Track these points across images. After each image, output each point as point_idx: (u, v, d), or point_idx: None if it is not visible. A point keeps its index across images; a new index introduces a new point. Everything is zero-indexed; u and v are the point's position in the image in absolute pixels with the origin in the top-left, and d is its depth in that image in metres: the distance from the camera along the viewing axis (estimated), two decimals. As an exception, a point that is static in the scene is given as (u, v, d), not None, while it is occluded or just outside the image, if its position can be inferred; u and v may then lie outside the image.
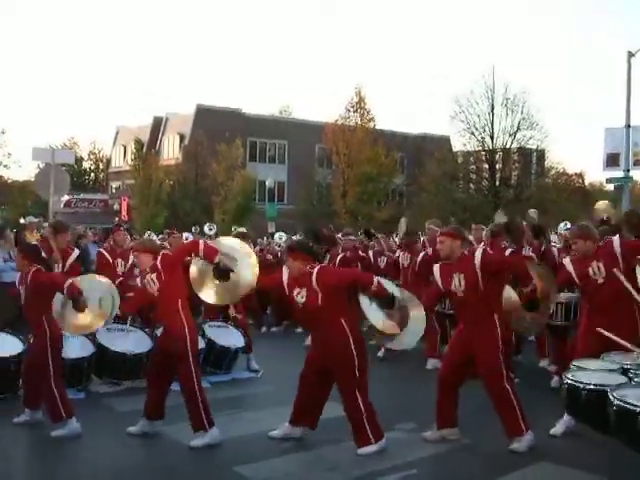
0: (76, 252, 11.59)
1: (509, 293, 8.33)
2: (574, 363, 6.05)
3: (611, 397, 4.96)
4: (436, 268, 8.31)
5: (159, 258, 8.13)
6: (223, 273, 8.17)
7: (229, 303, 9.30)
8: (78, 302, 8.13)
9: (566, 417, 8.21)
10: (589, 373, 5.69)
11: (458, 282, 7.96)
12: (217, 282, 8.29)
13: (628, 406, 4.82)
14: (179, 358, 8.03)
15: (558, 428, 8.28)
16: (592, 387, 5.38)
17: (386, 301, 7.82)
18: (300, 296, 7.81)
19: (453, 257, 8.04)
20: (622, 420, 4.88)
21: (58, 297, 8.33)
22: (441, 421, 8.19)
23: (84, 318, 8.36)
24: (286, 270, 8.09)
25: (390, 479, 7.08)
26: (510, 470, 7.30)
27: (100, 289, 8.52)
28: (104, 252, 12.52)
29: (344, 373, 7.80)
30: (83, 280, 8.29)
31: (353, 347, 7.72)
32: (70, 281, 8.06)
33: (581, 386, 5.44)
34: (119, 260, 12.26)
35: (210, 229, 20.87)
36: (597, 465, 7.17)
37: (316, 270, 7.78)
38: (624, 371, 5.68)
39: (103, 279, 9.12)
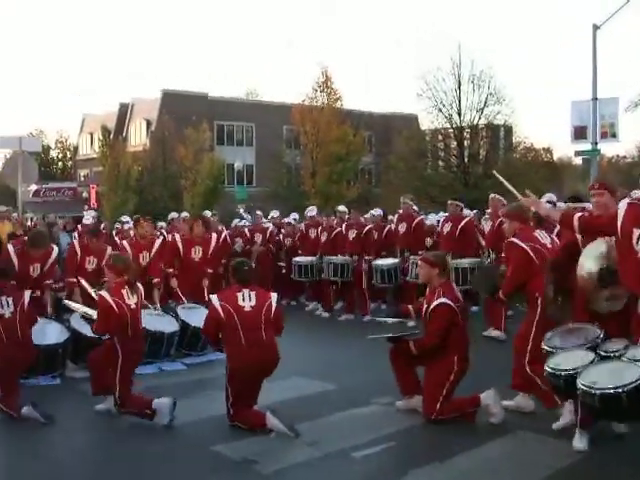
0: (56, 250, 11.52)
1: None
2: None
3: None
4: None
5: None
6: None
7: None
8: None
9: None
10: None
11: None
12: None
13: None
14: None
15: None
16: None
17: None
18: None
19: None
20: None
21: None
22: (406, 389, 8.35)
23: None
24: None
25: (370, 452, 7.11)
26: (487, 440, 7.37)
27: None
28: (76, 246, 12.47)
29: None
30: None
31: None
32: None
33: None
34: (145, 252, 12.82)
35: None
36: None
37: None
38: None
39: None
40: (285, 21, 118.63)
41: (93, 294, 9.19)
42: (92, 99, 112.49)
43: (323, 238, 16.29)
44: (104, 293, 8.30)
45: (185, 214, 17.63)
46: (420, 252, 13.25)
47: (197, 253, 13.19)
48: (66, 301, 10.50)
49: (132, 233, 15.37)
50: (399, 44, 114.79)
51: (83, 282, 10.48)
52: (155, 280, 12.42)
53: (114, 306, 8.14)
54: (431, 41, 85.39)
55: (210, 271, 13.15)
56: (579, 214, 6.87)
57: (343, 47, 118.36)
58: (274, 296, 8.21)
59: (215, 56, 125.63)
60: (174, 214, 17.67)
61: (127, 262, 8.78)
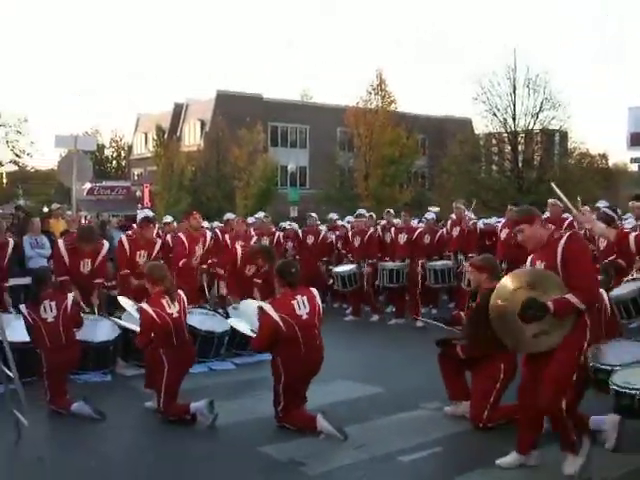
0: (106, 246, 11.64)
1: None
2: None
3: None
4: None
5: None
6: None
7: None
8: None
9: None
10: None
11: None
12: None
13: None
14: None
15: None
16: None
17: None
18: None
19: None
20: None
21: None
22: (454, 395, 8.34)
23: None
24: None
25: (416, 456, 7.10)
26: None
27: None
28: (124, 241, 12.44)
29: None
30: None
31: None
32: None
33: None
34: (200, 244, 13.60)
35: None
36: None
37: None
38: None
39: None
40: (341, 23, 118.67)
41: (134, 312, 9.09)
42: (146, 99, 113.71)
43: (356, 243, 16.05)
44: (145, 305, 8.25)
45: (230, 215, 17.80)
46: (471, 255, 13.18)
47: (250, 270, 13.40)
48: (120, 298, 10.49)
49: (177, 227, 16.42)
50: (455, 48, 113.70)
51: (123, 300, 10.15)
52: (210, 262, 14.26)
53: (155, 317, 8.12)
54: (487, 45, 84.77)
55: (259, 281, 13.14)
56: (635, 233, 6.73)
57: (398, 49, 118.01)
58: (317, 294, 8.18)
59: (269, 57, 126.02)
60: (230, 215, 17.87)
61: (163, 270, 8.63)
